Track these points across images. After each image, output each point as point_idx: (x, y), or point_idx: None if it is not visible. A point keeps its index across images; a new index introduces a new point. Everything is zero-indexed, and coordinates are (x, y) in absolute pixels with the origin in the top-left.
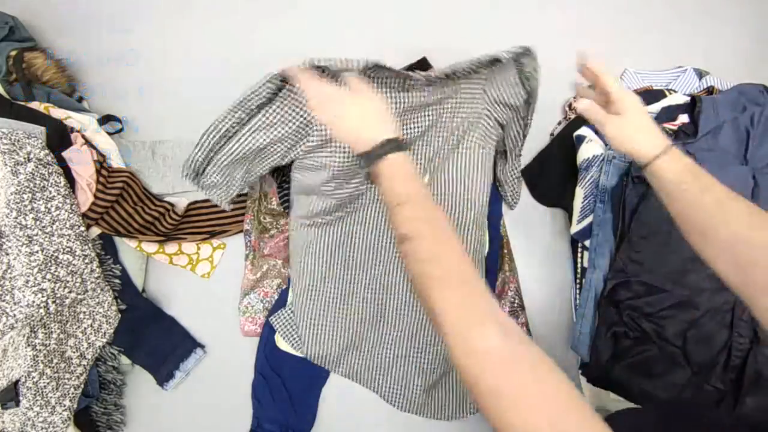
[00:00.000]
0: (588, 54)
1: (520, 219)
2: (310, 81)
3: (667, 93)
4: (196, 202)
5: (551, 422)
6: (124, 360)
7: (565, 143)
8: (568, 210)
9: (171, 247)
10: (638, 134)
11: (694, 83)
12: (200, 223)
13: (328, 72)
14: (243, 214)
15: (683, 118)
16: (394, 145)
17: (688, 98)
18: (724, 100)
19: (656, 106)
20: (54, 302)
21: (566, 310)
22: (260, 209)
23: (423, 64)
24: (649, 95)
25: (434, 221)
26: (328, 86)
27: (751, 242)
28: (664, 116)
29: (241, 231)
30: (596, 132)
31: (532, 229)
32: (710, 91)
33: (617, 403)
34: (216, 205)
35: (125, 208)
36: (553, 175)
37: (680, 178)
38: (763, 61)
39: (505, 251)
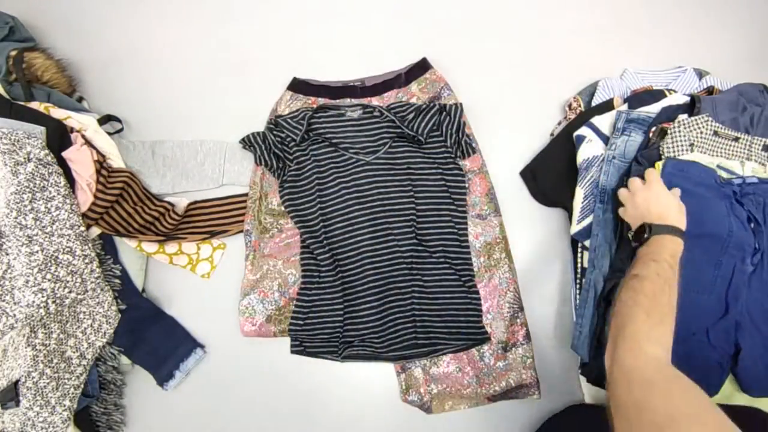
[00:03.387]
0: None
1: (520, 219)
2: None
3: (667, 93)
4: (196, 201)
5: None
6: (124, 360)
7: (565, 143)
8: (568, 210)
9: (171, 247)
10: (672, 208)
11: (694, 83)
12: (200, 222)
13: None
14: (243, 214)
15: (683, 118)
16: (680, 233)
17: (688, 98)
18: (723, 100)
19: (656, 106)
20: (54, 302)
21: (566, 310)
22: (261, 209)
23: (423, 65)
24: (649, 95)
25: (668, 281)
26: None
27: None
28: (664, 116)
29: (241, 231)
30: (596, 132)
31: (532, 229)
32: (710, 91)
33: None
34: (216, 205)
35: (125, 208)
36: (553, 175)
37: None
38: (763, 61)
39: (504, 254)
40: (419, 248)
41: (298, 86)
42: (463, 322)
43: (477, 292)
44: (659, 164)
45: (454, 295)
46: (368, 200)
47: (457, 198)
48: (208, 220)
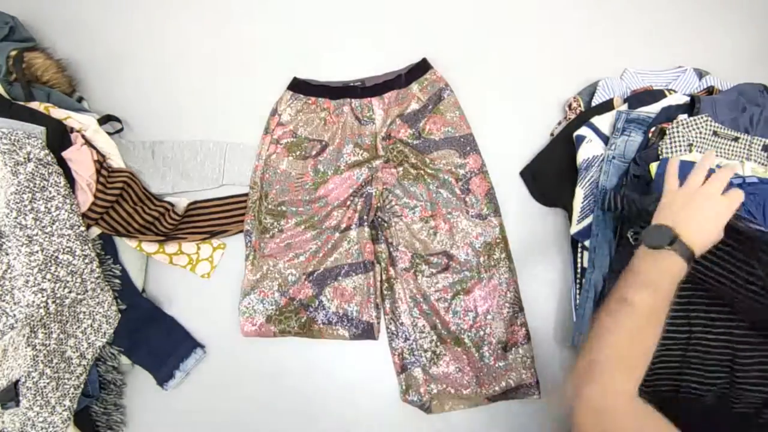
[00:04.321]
0: None
1: (520, 219)
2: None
3: (667, 93)
4: (196, 201)
5: None
6: (124, 360)
7: (565, 143)
8: (568, 210)
9: (171, 247)
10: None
11: (694, 83)
12: (200, 222)
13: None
14: (243, 214)
15: (683, 118)
16: (692, 260)
17: (688, 98)
18: (723, 100)
19: (656, 106)
20: (54, 302)
21: (566, 310)
22: (261, 209)
23: (424, 66)
24: (649, 95)
25: (658, 315)
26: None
27: None
28: (664, 116)
29: (241, 231)
30: (596, 132)
31: (532, 229)
32: (710, 91)
33: None
34: (216, 205)
35: (125, 208)
36: (553, 175)
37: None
38: (763, 61)
39: (504, 254)
40: None
41: (299, 86)
42: None
43: None
44: (654, 165)
45: None
46: None
47: None
48: (208, 220)
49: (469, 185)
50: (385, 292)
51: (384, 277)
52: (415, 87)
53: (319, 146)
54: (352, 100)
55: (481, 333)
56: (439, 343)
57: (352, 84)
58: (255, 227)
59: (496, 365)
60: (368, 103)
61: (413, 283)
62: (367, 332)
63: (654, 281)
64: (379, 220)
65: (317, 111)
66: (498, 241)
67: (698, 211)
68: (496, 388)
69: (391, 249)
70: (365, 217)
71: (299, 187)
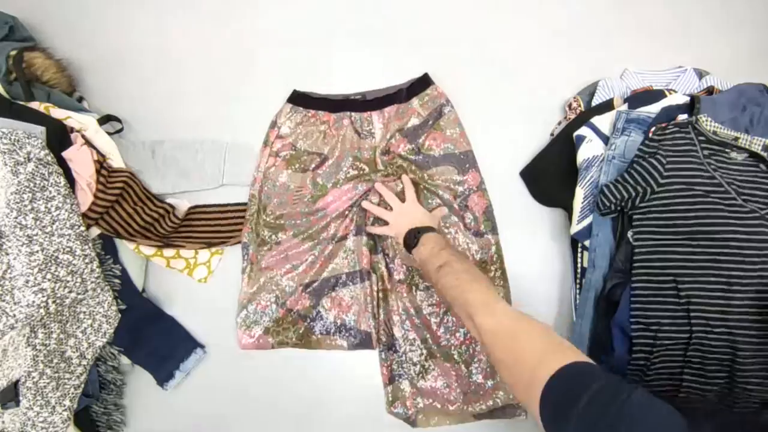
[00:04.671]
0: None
1: (521, 219)
2: (394, 198)
3: (667, 93)
4: (197, 206)
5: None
6: (124, 360)
7: (565, 143)
8: (568, 210)
9: (169, 251)
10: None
11: (694, 83)
12: (200, 228)
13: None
14: (242, 224)
15: (683, 118)
16: (431, 229)
17: (688, 98)
18: (723, 100)
19: (656, 106)
20: (54, 302)
21: (566, 311)
22: (258, 222)
23: (425, 81)
24: (649, 95)
25: (459, 256)
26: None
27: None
28: (664, 116)
29: (239, 242)
30: (596, 132)
31: (532, 229)
32: (710, 91)
33: None
34: (217, 212)
35: (125, 209)
36: (553, 175)
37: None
38: (763, 61)
39: (499, 272)
40: None
41: (298, 99)
42: None
43: None
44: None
45: None
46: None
47: None
48: (207, 227)
49: (467, 202)
50: (380, 303)
51: (380, 287)
52: (415, 102)
53: (318, 159)
54: (352, 113)
55: (471, 350)
56: (428, 358)
57: (352, 97)
58: (252, 240)
59: (485, 383)
60: (368, 116)
61: (407, 296)
62: (365, 342)
63: (435, 246)
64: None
65: (317, 124)
66: (494, 260)
67: (410, 213)
68: (483, 407)
69: (388, 260)
70: (363, 226)
71: (298, 200)
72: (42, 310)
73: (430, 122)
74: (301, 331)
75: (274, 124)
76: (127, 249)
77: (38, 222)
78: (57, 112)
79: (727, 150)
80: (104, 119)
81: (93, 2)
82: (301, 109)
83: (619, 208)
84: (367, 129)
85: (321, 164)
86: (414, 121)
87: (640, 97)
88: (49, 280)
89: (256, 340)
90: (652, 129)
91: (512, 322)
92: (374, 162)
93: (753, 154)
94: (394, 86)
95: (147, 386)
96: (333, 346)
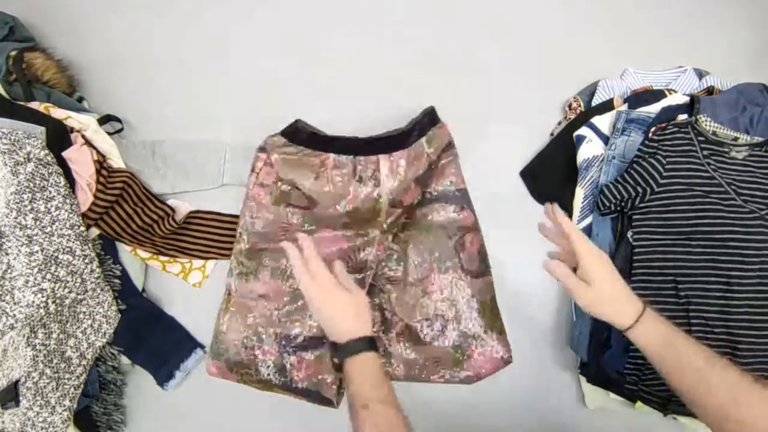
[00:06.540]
0: (557, 210)
1: (521, 220)
2: (302, 267)
3: (667, 93)
4: (198, 211)
5: None
6: (124, 360)
7: (565, 143)
8: (568, 210)
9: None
10: (611, 307)
11: (694, 83)
12: (196, 235)
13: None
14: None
15: (683, 119)
16: (366, 344)
17: (688, 98)
18: (723, 100)
19: (656, 106)
20: (54, 302)
21: (566, 310)
22: (241, 251)
23: (432, 118)
24: (649, 95)
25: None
26: (321, 272)
27: (737, 418)
28: (664, 116)
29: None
30: (596, 132)
31: (533, 230)
32: (710, 91)
33: (617, 403)
34: (216, 220)
35: (125, 209)
36: (553, 175)
37: (657, 350)
38: (763, 61)
39: (495, 310)
40: None
41: (294, 134)
42: None
43: None
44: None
45: None
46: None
47: None
48: (202, 236)
49: (463, 241)
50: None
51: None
52: (425, 144)
53: (306, 202)
54: (358, 156)
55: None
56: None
57: (354, 137)
58: (234, 269)
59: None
60: (374, 161)
61: (408, 349)
62: (327, 403)
63: (357, 394)
64: (371, 285)
65: (311, 165)
66: (491, 300)
67: (323, 304)
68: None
69: (386, 313)
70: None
71: (283, 236)
72: (42, 310)
73: (439, 163)
74: (262, 379)
75: (263, 149)
76: (126, 249)
77: (38, 222)
78: (57, 112)
79: (726, 149)
80: (104, 119)
81: (93, 2)
82: (296, 145)
83: (618, 208)
84: (371, 174)
85: (311, 207)
86: (425, 166)
87: (640, 97)
88: (48, 280)
89: (220, 372)
90: (652, 129)
91: None
92: (375, 211)
93: (754, 146)
94: (399, 129)
95: (147, 386)
96: (293, 397)
